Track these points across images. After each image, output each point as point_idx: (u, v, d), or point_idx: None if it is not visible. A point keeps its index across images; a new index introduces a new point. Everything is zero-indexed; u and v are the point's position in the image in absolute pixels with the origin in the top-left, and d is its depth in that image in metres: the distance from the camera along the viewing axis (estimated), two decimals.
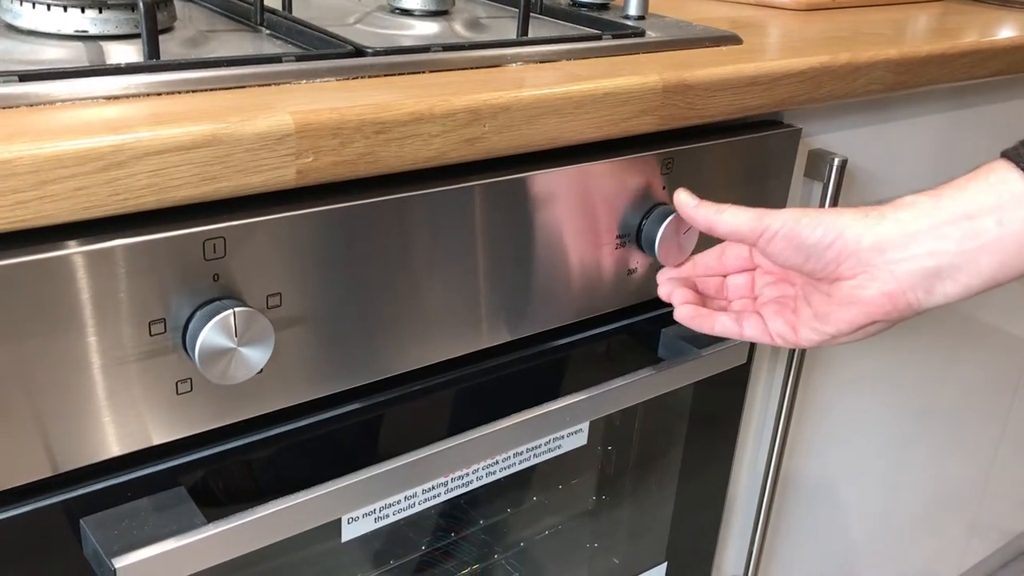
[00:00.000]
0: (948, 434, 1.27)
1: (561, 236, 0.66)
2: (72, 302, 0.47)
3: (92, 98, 0.51)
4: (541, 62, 0.68)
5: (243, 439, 0.58)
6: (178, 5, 0.69)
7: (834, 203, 0.84)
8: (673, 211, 0.69)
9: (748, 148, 0.76)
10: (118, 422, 0.51)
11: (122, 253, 0.48)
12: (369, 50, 0.63)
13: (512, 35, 0.75)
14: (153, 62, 0.55)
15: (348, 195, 0.55)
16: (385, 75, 0.61)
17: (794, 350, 0.90)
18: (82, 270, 0.47)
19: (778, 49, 0.83)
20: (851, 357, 1.03)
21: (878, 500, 1.22)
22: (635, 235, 0.70)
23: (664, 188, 0.70)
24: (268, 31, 0.71)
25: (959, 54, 0.88)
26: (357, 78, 0.60)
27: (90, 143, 0.45)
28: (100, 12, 0.62)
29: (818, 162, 0.85)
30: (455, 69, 0.64)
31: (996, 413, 1.35)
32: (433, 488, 0.70)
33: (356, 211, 0.55)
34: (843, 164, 0.83)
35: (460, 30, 0.78)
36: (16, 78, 0.51)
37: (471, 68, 0.65)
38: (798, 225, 0.56)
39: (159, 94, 0.53)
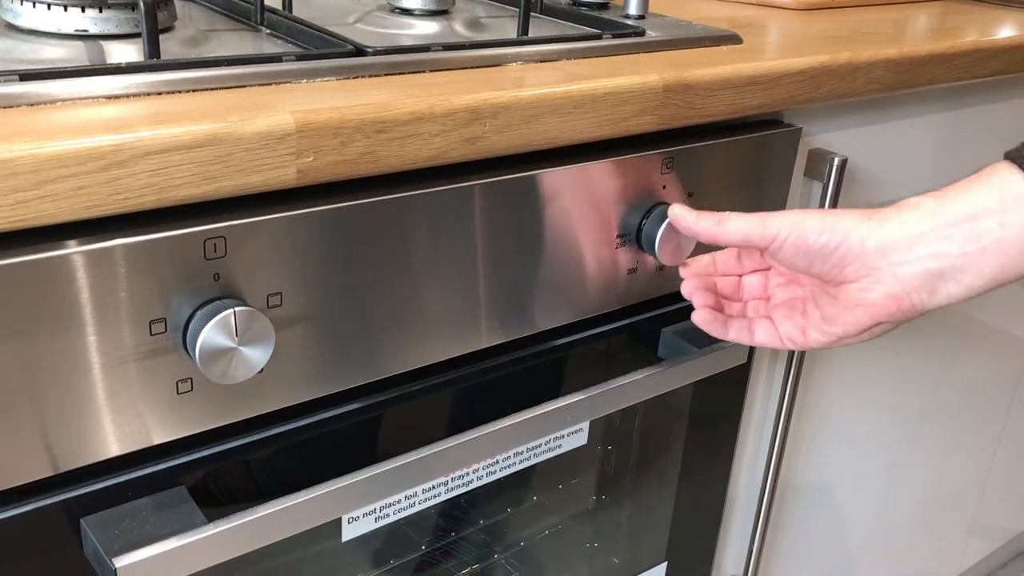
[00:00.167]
0: (948, 434, 1.27)
1: (561, 236, 0.66)
2: (73, 301, 0.47)
3: (93, 97, 0.51)
4: (541, 61, 0.68)
5: (243, 439, 0.58)
6: (178, 4, 0.69)
7: (834, 203, 0.84)
8: None
9: (748, 148, 0.76)
10: (118, 422, 0.51)
11: (122, 252, 0.48)
12: (369, 49, 0.63)
13: (512, 34, 0.75)
14: (154, 61, 0.55)
15: (348, 195, 0.55)
16: (385, 74, 0.61)
17: (794, 350, 0.90)
18: (83, 269, 0.47)
19: (778, 49, 0.83)
20: (851, 357, 1.03)
21: (878, 500, 1.22)
22: (635, 235, 0.70)
23: (664, 188, 0.70)
24: (268, 30, 0.71)
25: (959, 53, 0.88)
26: (357, 77, 0.60)
27: (91, 142, 0.45)
28: (100, 11, 0.61)
29: (818, 162, 0.85)
30: (455, 68, 0.64)
31: (996, 413, 1.35)
32: (433, 488, 0.70)
33: (356, 211, 0.55)
34: (843, 164, 0.83)
35: (460, 29, 0.78)
36: (17, 77, 0.51)
37: (471, 67, 0.65)
38: (804, 231, 0.56)
39: (159, 93, 0.53)
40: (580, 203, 0.66)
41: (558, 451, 0.76)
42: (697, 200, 0.73)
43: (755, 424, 0.97)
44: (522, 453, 0.74)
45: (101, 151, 0.45)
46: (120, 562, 0.49)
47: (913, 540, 1.35)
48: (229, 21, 0.74)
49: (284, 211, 0.53)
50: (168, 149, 0.47)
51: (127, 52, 0.60)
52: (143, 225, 0.49)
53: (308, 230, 0.54)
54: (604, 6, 0.88)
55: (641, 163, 0.68)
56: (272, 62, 0.58)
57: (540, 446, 0.75)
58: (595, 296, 0.71)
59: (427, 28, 0.77)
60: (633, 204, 0.69)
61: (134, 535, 0.52)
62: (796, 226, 0.57)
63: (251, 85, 0.56)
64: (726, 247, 0.63)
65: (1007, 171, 0.53)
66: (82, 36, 0.62)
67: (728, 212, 0.60)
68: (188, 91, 0.54)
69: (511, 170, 0.62)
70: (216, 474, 0.58)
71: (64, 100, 0.51)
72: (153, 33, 0.56)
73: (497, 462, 0.73)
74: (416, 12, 0.80)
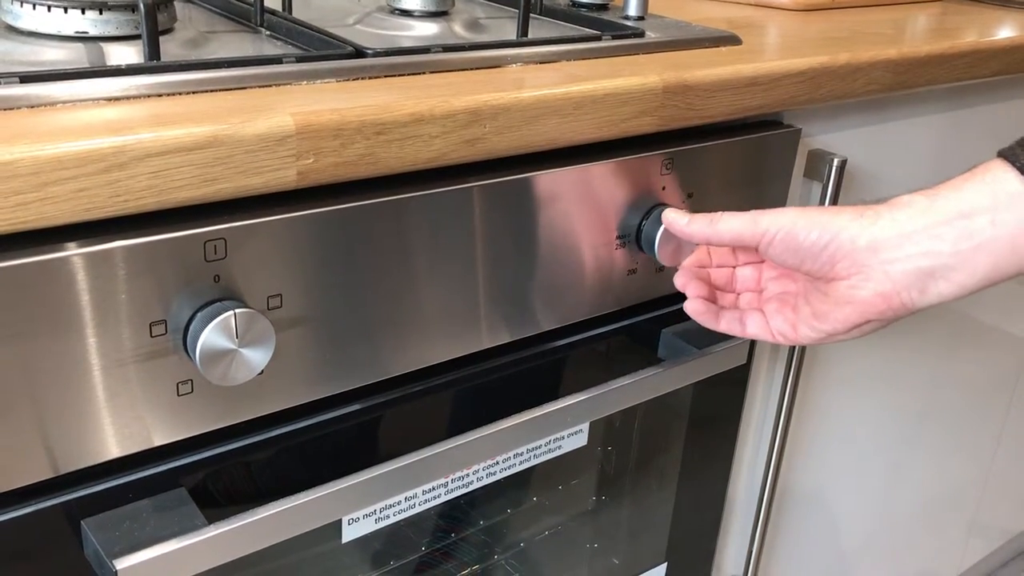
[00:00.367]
0: (948, 434, 1.27)
1: (561, 237, 0.66)
2: (73, 303, 0.47)
3: (93, 99, 0.51)
4: (541, 63, 0.68)
5: (244, 440, 0.58)
6: (178, 6, 0.69)
7: (834, 203, 0.84)
8: None
9: (748, 148, 0.76)
10: (119, 423, 0.51)
11: (123, 254, 0.48)
12: (369, 51, 0.63)
13: (512, 36, 0.75)
14: (154, 63, 0.55)
15: (349, 196, 0.55)
16: (385, 76, 0.61)
17: (794, 350, 0.90)
18: (83, 272, 0.47)
19: (777, 49, 0.83)
20: (851, 357, 1.03)
21: (878, 500, 1.22)
22: (635, 235, 0.70)
23: (664, 189, 0.71)
24: (268, 32, 0.71)
25: (958, 54, 0.88)
26: (357, 79, 0.60)
27: (91, 144, 0.45)
28: (100, 13, 0.62)
29: (818, 162, 0.85)
30: (455, 70, 0.64)
31: (995, 413, 1.35)
32: (433, 489, 0.70)
33: (356, 212, 0.55)
34: (843, 164, 0.83)
35: (460, 31, 0.78)
36: (17, 79, 0.51)
37: (471, 69, 0.65)
38: (795, 228, 0.56)
39: (160, 95, 0.53)
40: (580, 204, 0.66)
41: (558, 452, 0.76)
42: (697, 201, 0.73)
43: (755, 424, 0.97)
44: (522, 454, 0.74)
45: (101, 153, 0.45)
46: (121, 564, 0.49)
47: (913, 540, 1.35)
48: (229, 23, 0.74)
49: (284, 213, 0.53)
50: (168, 151, 0.47)
51: (127, 54, 0.60)
52: (143, 227, 0.49)
53: (308, 232, 0.54)
54: (603, 7, 0.88)
55: (641, 164, 0.68)
56: (272, 64, 0.58)
57: (540, 447, 0.75)
58: (595, 297, 0.71)
59: (427, 29, 0.77)
60: (633, 205, 0.69)
61: (135, 537, 0.52)
62: (787, 224, 0.57)
63: (251, 87, 0.56)
64: (720, 246, 0.63)
65: (1000, 169, 0.53)
66: (82, 38, 0.62)
67: (721, 212, 0.60)
68: (188, 93, 0.54)
69: (511, 171, 0.62)
70: (216, 476, 0.58)
71: (64, 102, 0.51)
72: (153, 35, 0.56)
73: (497, 463, 0.73)
74: (416, 13, 0.80)
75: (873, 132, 0.91)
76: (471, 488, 0.72)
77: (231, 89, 0.56)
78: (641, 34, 0.77)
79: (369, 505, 0.64)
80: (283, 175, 0.51)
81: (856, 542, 1.23)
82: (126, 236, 0.48)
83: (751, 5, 1.06)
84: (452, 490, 0.71)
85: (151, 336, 0.50)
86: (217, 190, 0.49)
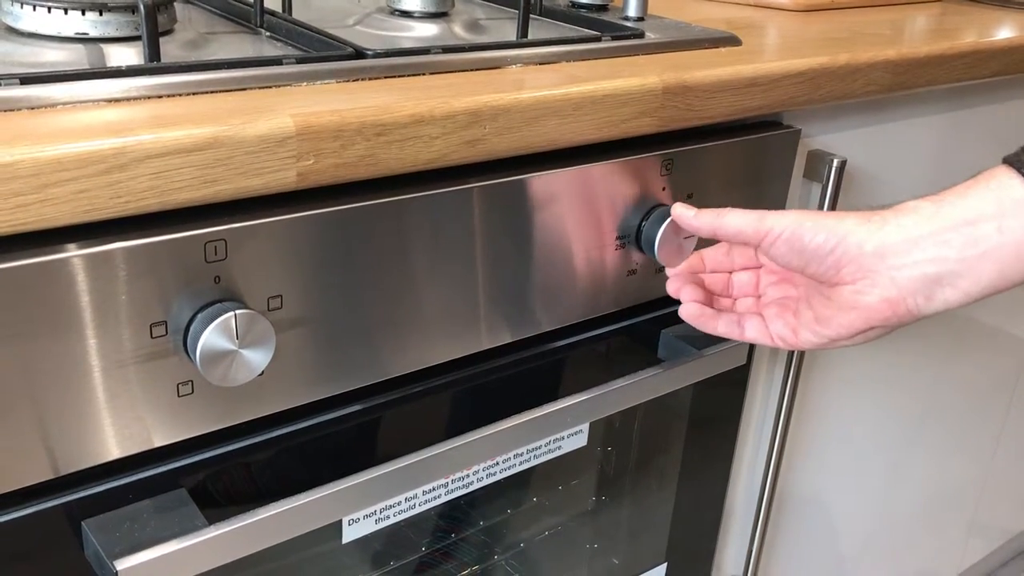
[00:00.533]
0: (948, 434, 1.27)
1: (561, 237, 0.66)
2: (74, 305, 0.48)
3: (93, 101, 0.51)
4: (541, 64, 0.68)
5: (244, 441, 0.58)
6: (178, 7, 0.69)
7: (833, 204, 0.84)
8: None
9: (747, 149, 0.76)
10: (119, 424, 0.51)
11: (123, 256, 0.48)
12: (369, 52, 0.63)
13: (512, 37, 0.75)
14: (154, 65, 0.55)
15: (349, 197, 0.55)
16: (385, 77, 0.61)
17: (794, 351, 0.90)
18: (83, 273, 0.47)
19: (777, 50, 0.83)
20: (850, 358, 1.03)
21: (878, 500, 1.22)
22: (635, 236, 0.70)
23: (664, 189, 0.71)
24: (268, 33, 0.71)
25: (958, 55, 0.88)
26: (357, 80, 0.60)
27: (91, 146, 0.45)
28: (100, 15, 0.62)
29: (817, 163, 0.85)
30: (455, 71, 0.64)
31: (995, 413, 1.35)
32: (434, 489, 0.70)
33: (357, 213, 0.55)
34: (842, 165, 0.83)
35: (460, 32, 0.78)
36: (17, 81, 0.51)
37: (471, 70, 0.65)
38: (801, 229, 0.56)
39: (160, 97, 0.53)
40: (580, 205, 0.66)
41: (558, 452, 0.76)
42: (697, 201, 0.73)
43: (755, 425, 0.97)
44: (522, 455, 0.74)
45: (102, 154, 0.45)
46: (121, 564, 0.49)
47: (913, 540, 1.35)
48: (229, 24, 0.74)
49: (284, 214, 0.53)
50: (169, 152, 0.47)
51: (127, 55, 0.60)
52: (144, 228, 0.49)
53: (308, 233, 0.54)
54: (603, 8, 0.88)
55: (641, 165, 0.68)
56: (272, 65, 0.58)
57: (540, 447, 0.75)
58: (595, 298, 0.71)
59: (426, 30, 0.77)
60: (633, 206, 0.69)
61: (135, 537, 0.52)
62: (793, 224, 0.57)
63: (251, 88, 0.56)
64: (724, 240, 0.63)
65: (1006, 176, 0.53)
66: (82, 39, 0.62)
67: (728, 208, 0.60)
68: (188, 94, 0.54)
69: (511, 172, 0.62)
70: (217, 476, 0.58)
71: (65, 103, 0.51)
72: (153, 36, 0.56)
73: (497, 464, 0.73)
74: (415, 14, 0.81)
75: (873, 133, 0.91)
76: (471, 489, 0.72)
77: (231, 90, 0.56)
78: (641, 35, 0.77)
79: (369, 506, 0.64)
80: (283, 176, 0.51)
81: (856, 542, 1.23)
82: (126, 237, 0.48)
83: (751, 6, 1.06)
84: (452, 491, 0.71)
85: (151, 337, 0.50)
86: (217, 191, 0.49)
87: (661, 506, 0.90)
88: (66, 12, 0.61)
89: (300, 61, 0.60)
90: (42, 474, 0.50)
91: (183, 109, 0.51)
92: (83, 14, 0.61)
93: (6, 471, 0.49)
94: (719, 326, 0.63)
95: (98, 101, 0.52)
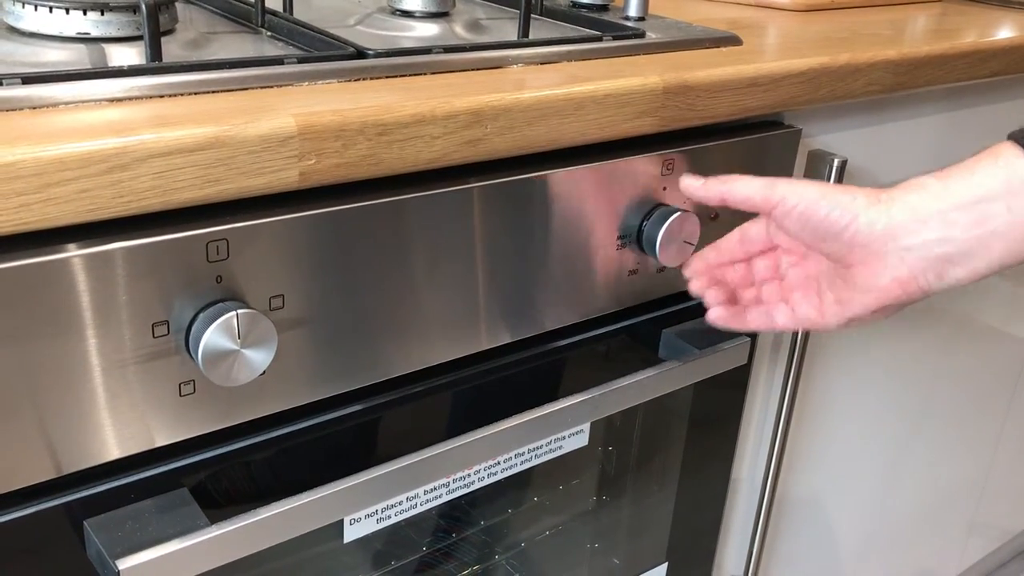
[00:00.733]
0: (947, 433, 1.28)
1: (562, 237, 0.66)
2: (75, 304, 0.48)
3: (95, 100, 0.52)
4: (542, 63, 0.68)
5: (246, 441, 0.58)
6: (179, 7, 0.69)
7: None
8: (673, 212, 0.69)
9: (748, 149, 0.76)
10: (121, 424, 0.51)
11: (125, 255, 0.48)
12: (371, 52, 0.63)
13: (513, 36, 0.75)
14: (156, 64, 0.55)
15: (350, 197, 0.55)
16: (387, 77, 0.61)
17: (793, 349, 0.90)
18: (86, 272, 0.47)
19: (778, 50, 0.83)
20: (851, 357, 1.03)
21: (878, 499, 1.22)
22: (636, 236, 0.70)
23: (665, 189, 0.71)
24: (269, 33, 0.71)
25: (958, 55, 0.88)
26: (359, 80, 0.60)
27: (93, 146, 0.45)
28: (102, 14, 0.62)
29: (818, 163, 0.85)
30: (456, 71, 0.64)
31: (995, 412, 1.35)
32: (435, 489, 0.70)
33: (358, 213, 0.56)
34: (843, 165, 0.83)
35: (461, 32, 0.78)
36: (19, 81, 0.51)
37: (472, 70, 0.65)
38: (815, 204, 0.56)
39: (162, 96, 0.53)
40: (581, 204, 0.66)
41: (559, 452, 0.76)
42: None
43: (755, 424, 0.97)
44: (523, 454, 0.74)
45: (104, 154, 0.45)
46: (123, 564, 0.49)
47: (913, 539, 1.35)
48: (230, 23, 0.74)
49: (286, 213, 0.53)
50: (171, 152, 0.47)
51: (129, 55, 0.60)
52: (146, 228, 0.49)
53: (310, 232, 0.54)
54: (604, 8, 0.88)
55: (642, 164, 0.68)
56: (274, 65, 0.58)
57: (541, 447, 0.75)
58: (596, 297, 0.71)
59: (428, 30, 0.77)
60: (634, 205, 0.69)
61: (137, 537, 0.52)
62: (807, 196, 0.57)
63: (253, 88, 0.56)
64: (734, 206, 0.61)
65: (1012, 154, 0.53)
66: (84, 39, 0.62)
67: (735, 174, 0.60)
68: (190, 94, 0.54)
69: (512, 172, 0.62)
70: (218, 476, 0.58)
71: (67, 103, 0.51)
72: (155, 36, 0.56)
73: (498, 463, 0.73)
74: (416, 14, 0.81)
75: (873, 132, 0.91)
76: (472, 488, 0.72)
77: (233, 90, 0.56)
78: (642, 35, 0.77)
79: (371, 505, 0.64)
80: (285, 176, 0.51)
81: (856, 541, 1.24)
82: (129, 237, 0.48)
83: (751, 6, 1.06)
84: (453, 490, 0.71)
85: (153, 337, 0.51)
86: (219, 191, 0.49)
87: (662, 506, 0.90)
88: (68, 12, 0.61)
89: (301, 61, 0.60)
90: (44, 474, 0.50)
91: (185, 109, 0.51)
92: (85, 14, 0.61)
93: (8, 471, 0.49)
94: (749, 321, 0.63)
95: (100, 101, 0.52)
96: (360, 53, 0.63)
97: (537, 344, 0.71)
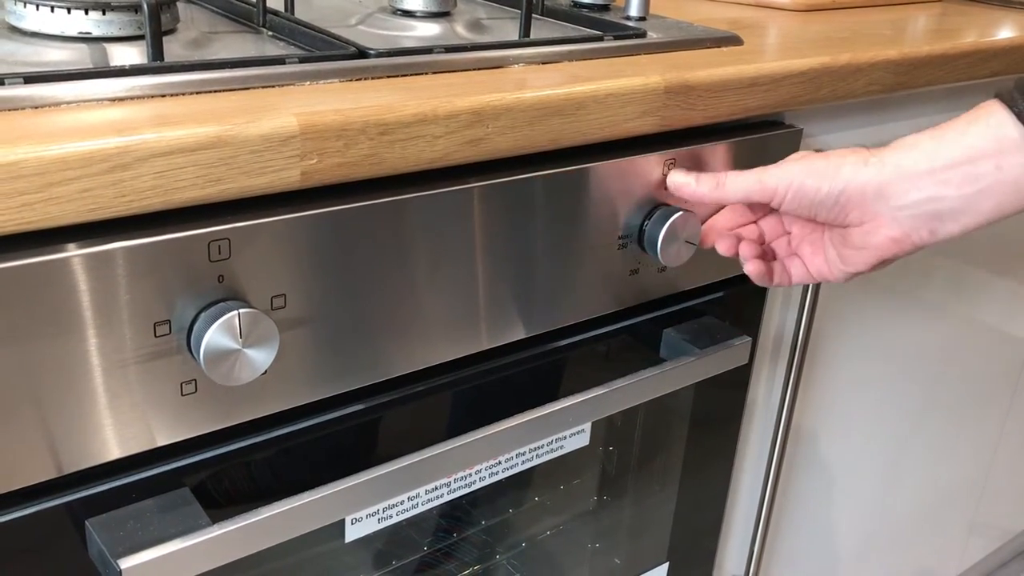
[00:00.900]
0: (948, 433, 1.28)
1: (563, 237, 0.66)
2: (77, 304, 0.48)
3: (97, 100, 0.52)
4: (543, 63, 0.68)
5: (247, 440, 0.58)
6: (180, 7, 0.69)
7: None
8: (675, 212, 0.69)
9: (749, 149, 0.76)
10: (123, 423, 0.51)
11: (127, 255, 0.48)
12: (372, 51, 0.63)
13: (514, 36, 0.75)
14: (157, 64, 0.55)
15: (352, 196, 0.55)
16: (388, 76, 0.61)
17: (794, 350, 0.90)
18: (87, 272, 0.47)
19: (779, 50, 0.83)
20: (851, 358, 1.03)
21: (878, 499, 1.23)
22: (637, 236, 0.70)
23: (666, 189, 0.71)
24: (270, 33, 0.71)
25: (959, 55, 0.88)
26: (360, 79, 0.60)
27: (95, 145, 0.45)
28: (103, 14, 0.62)
29: None
30: (458, 70, 0.64)
31: (995, 412, 1.35)
32: (436, 489, 0.70)
33: (360, 212, 0.56)
34: None
35: (462, 31, 0.78)
36: (21, 80, 0.51)
37: (474, 69, 0.65)
38: (803, 186, 0.59)
39: (163, 96, 0.53)
40: (582, 204, 0.66)
41: (560, 452, 0.76)
42: None
43: (756, 424, 0.97)
44: (524, 454, 0.74)
45: (106, 153, 0.45)
46: (125, 563, 0.49)
47: (913, 539, 1.35)
48: (231, 23, 0.74)
49: (288, 213, 0.53)
50: (173, 151, 0.47)
51: (130, 54, 0.61)
52: (148, 227, 0.49)
53: (312, 232, 0.54)
54: (605, 8, 0.88)
55: (643, 164, 0.68)
56: (275, 64, 0.59)
57: (542, 447, 0.75)
58: (597, 297, 0.71)
59: (429, 30, 0.77)
60: (635, 205, 0.69)
61: (139, 537, 0.52)
62: (794, 181, 0.60)
63: (254, 87, 0.56)
64: (731, 204, 0.66)
65: (1001, 113, 0.54)
66: (85, 38, 0.62)
67: (725, 172, 0.63)
68: (192, 93, 0.54)
69: (514, 171, 0.62)
70: (220, 476, 0.58)
71: (68, 103, 0.51)
72: (157, 35, 0.56)
73: (499, 463, 0.73)
74: (418, 14, 0.81)
75: (874, 132, 0.91)
76: (473, 488, 0.72)
77: (234, 90, 0.56)
78: (643, 34, 0.77)
79: (372, 505, 0.64)
80: (287, 175, 0.51)
81: (857, 541, 1.24)
82: (130, 236, 0.48)
83: (752, 6, 1.06)
84: (455, 490, 0.71)
85: (155, 336, 0.51)
86: (221, 190, 0.49)
87: (663, 505, 0.90)
88: (69, 11, 0.61)
89: (303, 60, 0.60)
90: (45, 473, 0.50)
91: (186, 108, 0.51)
92: (86, 13, 0.61)
93: (9, 470, 0.49)
94: (774, 278, 0.66)
95: (102, 100, 0.52)
96: (362, 53, 0.63)
97: (538, 344, 0.71)
